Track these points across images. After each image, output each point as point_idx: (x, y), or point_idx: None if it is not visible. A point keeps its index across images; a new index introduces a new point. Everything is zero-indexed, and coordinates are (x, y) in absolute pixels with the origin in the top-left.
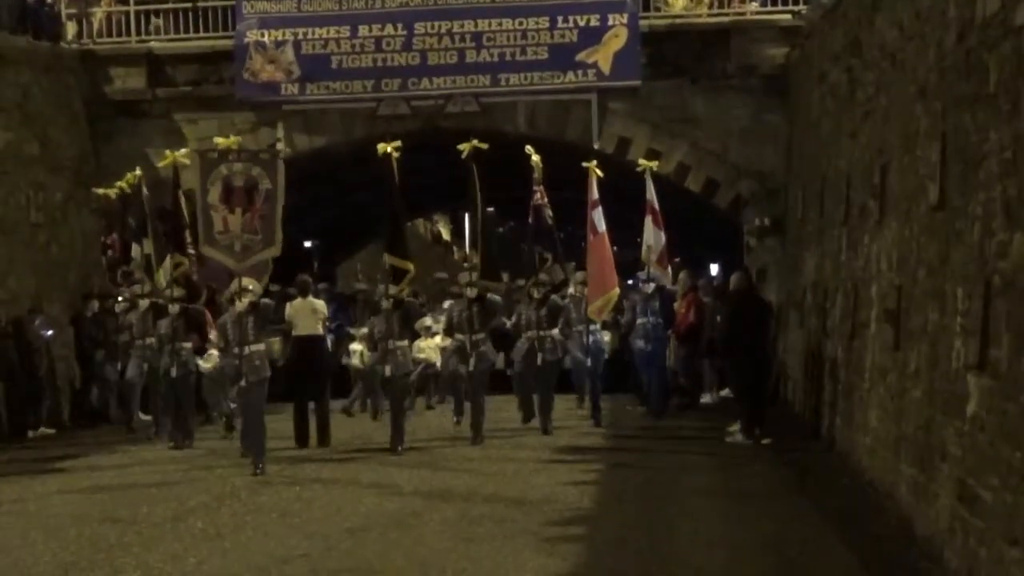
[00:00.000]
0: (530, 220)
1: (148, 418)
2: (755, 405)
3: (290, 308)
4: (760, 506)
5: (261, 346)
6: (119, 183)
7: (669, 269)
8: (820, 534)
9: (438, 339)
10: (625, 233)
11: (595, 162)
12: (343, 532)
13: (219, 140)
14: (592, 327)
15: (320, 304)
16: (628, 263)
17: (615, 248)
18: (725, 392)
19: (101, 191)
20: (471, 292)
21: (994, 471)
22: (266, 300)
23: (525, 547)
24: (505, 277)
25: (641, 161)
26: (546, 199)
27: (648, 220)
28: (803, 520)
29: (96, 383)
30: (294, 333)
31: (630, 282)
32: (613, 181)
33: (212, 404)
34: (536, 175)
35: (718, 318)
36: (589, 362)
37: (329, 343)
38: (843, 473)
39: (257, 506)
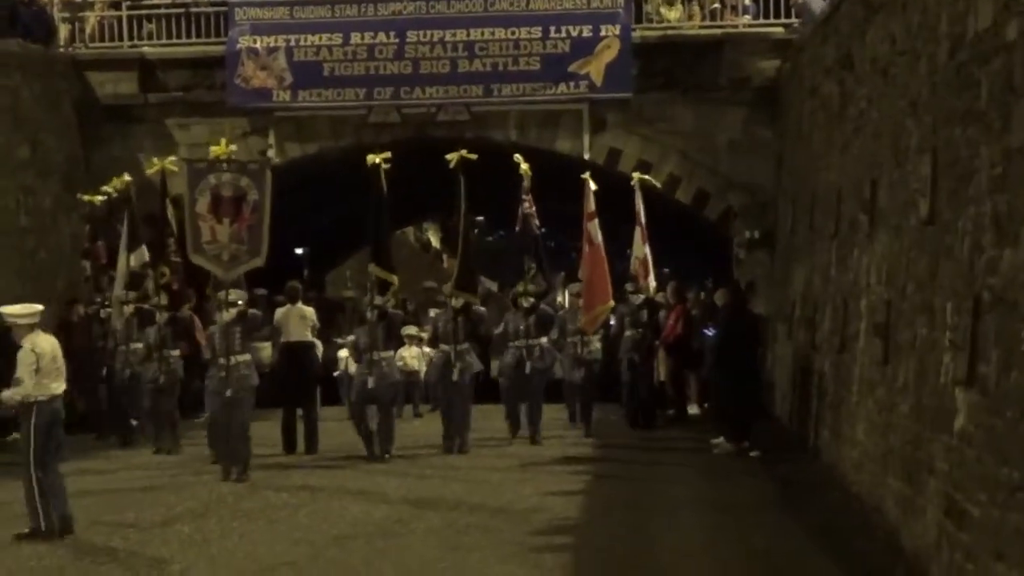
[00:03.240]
0: (517, 228)
1: (134, 423)
2: (743, 417)
3: (279, 314)
4: (746, 518)
5: (247, 356)
6: (105, 188)
7: (652, 280)
8: (806, 547)
9: (425, 347)
10: (612, 244)
11: (588, 173)
12: (330, 539)
13: (214, 149)
14: (584, 338)
15: (309, 311)
16: (616, 273)
17: None
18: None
19: (87, 198)
20: (456, 302)
21: (981, 486)
22: (254, 311)
23: (511, 557)
24: (495, 286)
25: (635, 174)
26: (534, 208)
27: (637, 232)
28: (789, 533)
29: (82, 387)
30: (283, 339)
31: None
32: (602, 192)
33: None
34: (525, 183)
35: (707, 332)
36: (583, 371)
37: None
38: (830, 486)
39: (244, 512)
